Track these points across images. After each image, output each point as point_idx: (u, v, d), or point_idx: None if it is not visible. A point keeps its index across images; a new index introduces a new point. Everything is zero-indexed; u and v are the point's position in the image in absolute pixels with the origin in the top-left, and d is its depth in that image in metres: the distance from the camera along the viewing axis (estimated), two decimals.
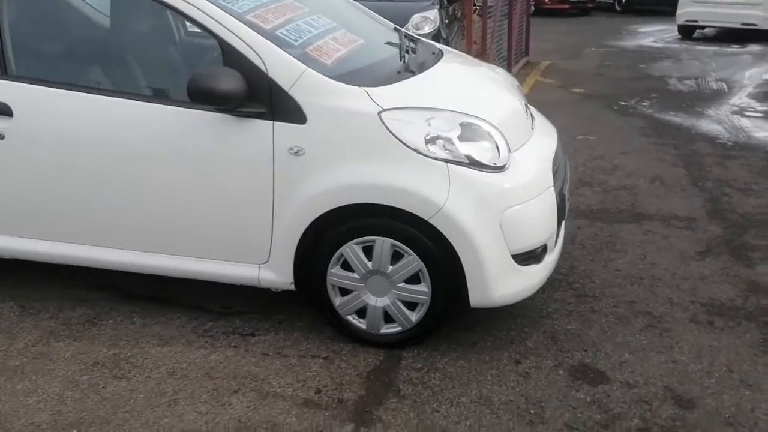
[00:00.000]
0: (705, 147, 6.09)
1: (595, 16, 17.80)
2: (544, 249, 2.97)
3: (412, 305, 2.93)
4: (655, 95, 8.28)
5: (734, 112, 7.39)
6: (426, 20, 7.13)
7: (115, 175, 3.03)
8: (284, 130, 2.79)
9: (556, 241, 3.13)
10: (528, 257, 2.89)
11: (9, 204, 3.19)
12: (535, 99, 3.62)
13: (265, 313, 3.30)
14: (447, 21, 7.56)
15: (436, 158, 2.74)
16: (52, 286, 3.53)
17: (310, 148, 2.79)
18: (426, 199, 2.71)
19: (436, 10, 7.24)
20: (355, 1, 3.94)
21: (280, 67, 2.78)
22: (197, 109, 2.83)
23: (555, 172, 3.09)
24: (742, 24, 12.83)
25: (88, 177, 3.06)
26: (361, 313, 2.99)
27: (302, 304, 3.25)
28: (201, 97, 2.71)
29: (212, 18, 2.81)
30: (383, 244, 2.83)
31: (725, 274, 3.71)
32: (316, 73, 2.80)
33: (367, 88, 2.81)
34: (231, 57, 2.79)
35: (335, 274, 2.94)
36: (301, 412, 2.64)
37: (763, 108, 7.62)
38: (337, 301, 2.99)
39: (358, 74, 2.96)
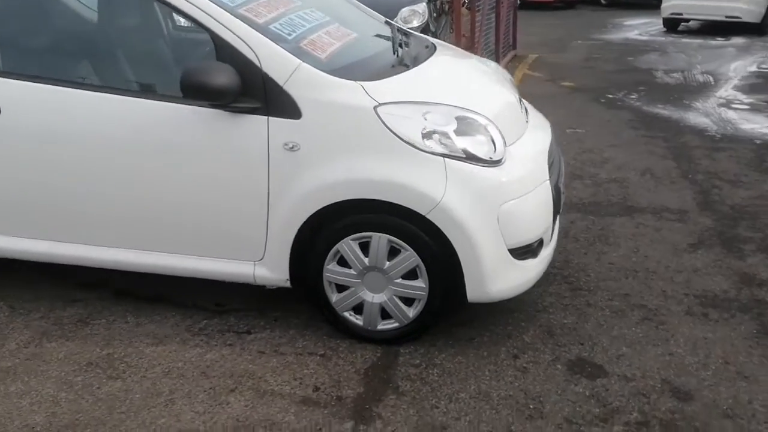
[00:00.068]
0: (693, 139, 6.13)
1: (581, 9, 17.86)
2: (540, 243, 2.97)
3: (409, 301, 2.91)
4: (643, 88, 8.32)
5: (721, 105, 7.44)
6: (415, 14, 7.12)
7: (106, 173, 2.98)
8: (279, 125, 2.75)
9: (551, 235, 3.12)
10: (525, 251, 2.89)
11: None
12: (523, 92, 3.61)
13: (261, 311, 3.27)
14: (435, 14, 7.56)
15: (432, 153, 2.72)
16: (43, 286, 3.48)
17: (305, 144, 2.76)
18: (423, 194, 2.69)
19: (424, 4, 7.24)
20: None
21: (275, 61, 2.75)
22: (190, 104, 2.79)
23: (550, 166, 3.09)
24: (726, 17, 12.95)
25: (79, 174, 3.01)
26: (358, 309, 2.97)
27: (297, 301, 3.22)
28: (194, 92, 2.68)
29: (205, 12, 2.77)
30: (380, 240, 2.81)
31: (718, 266, 3.73)
32: (311, 67, 2.77)
33: (362, 83, 2.79)
34: (224, 52, 2.75)
35: (331, 270, 2.92)
36: (300, 410, 2.62)
37: (749, 100, 7.68)
38: (334, 297, 2.97)
39: (352, 68, 2.93)
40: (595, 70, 9.67)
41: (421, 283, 2.85)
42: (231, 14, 2.79)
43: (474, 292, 2.82)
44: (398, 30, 3.65)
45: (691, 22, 13.88)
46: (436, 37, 6.03)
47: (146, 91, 3.05)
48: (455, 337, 3.07)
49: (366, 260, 2.85)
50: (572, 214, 4.35)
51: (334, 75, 2.80)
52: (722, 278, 3.59)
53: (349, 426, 2.54)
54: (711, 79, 8.86)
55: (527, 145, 3.08)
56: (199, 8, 2.78)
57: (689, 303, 3.35)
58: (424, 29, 6.89)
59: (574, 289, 3.48)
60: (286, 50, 2.79)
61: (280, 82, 2.73)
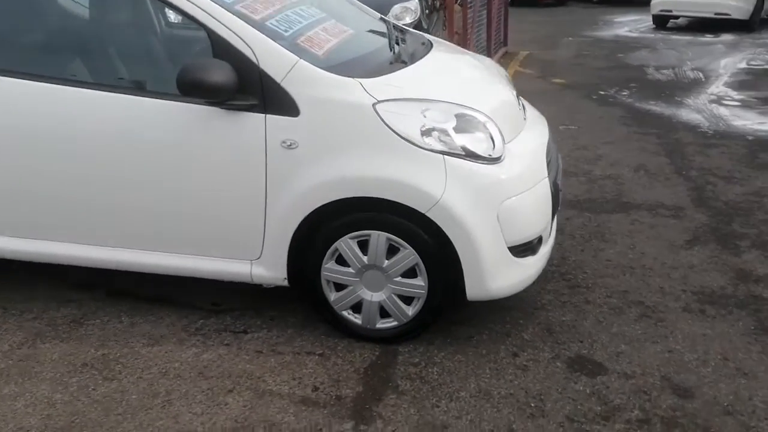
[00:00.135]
0: (686, 136, 6.14)
1: (571, 6, 17.87)
2: (539, 240, 2.96)
3: (408, 299, 2.89)
4: (634, 85, 8.33)
5: (712, 101, 7.47)
6: (407, 10, 7.09)
7: (99, 172, 2.94)
8: (276, 123, 2.72)
9: (550, 232, 3.12)
10: (524, 249, 2.87)
11: None
12: (515, 89, 3.59)
13: (257, 310, 3.24)
14: (427, 11, 7.52)
15: (432, 150, 2.70)
16: (35, 286, 3.44)
17: (303, 142, 2.73)
18: (423, 191, 2.67)
19: (416, 1, 7.20)
20: None
21: (272, 58, 2.71)
22: (186, 102, 2.75)
23: (548, 163, 3.08)
24: (716, 14, 12.99)
25: (71, 173, 2.96)
26: (357, 308, 2.95)
27: (294, 299, 3.20)
28: (191, 89, 2.64)
29: (201, 9, 2.73)
30: (379, 238, 2.79)
31: (714, 262, 3.74)
32: (309, 64, 2.74)
33: (360, 80, 2.76)
34: (220, 48, 2.71)
35: (330, 269, 2.89)
36: (299, 410, 2.60)
37: (740, 97, 7.71)
38: (332, 296, 2.95)
39: (350, 65, 2.90)
40: (586, 66, 9.68)
41: (420, 282, 2.83)
42: (227, 11, 2.75)
43: (473, 290, 2.80)
44: (394, 27, 3.63)
45: (680, 19, 13.93)
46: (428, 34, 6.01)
47: (140, 88, 3.00)
48: (454, 335, 3.05)
49: (365, 259, 2.83)
50: (568, 211, 4.34)
51: (332, 72, 2.77)
52: (718, 274, 3.60)
53: (350, 426, 2.52)
54: (701, 75, 8.89)
55: (526, 142, 3.06)
56: (195, 5, 2.74)
57: (687, 299, 3.35)
58: (416, 26, 6.85)
59: (572, 287, 3.47)
60: (283, 47, 2.75)
61: (278, 79, 2.70)
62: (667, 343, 3.00)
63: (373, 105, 2.70)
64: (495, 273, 2.78)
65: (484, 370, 2.82)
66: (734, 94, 7.86)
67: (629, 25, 14.25)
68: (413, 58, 3.23)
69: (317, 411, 2.59)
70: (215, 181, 2.84)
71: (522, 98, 3.58)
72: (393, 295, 2.88)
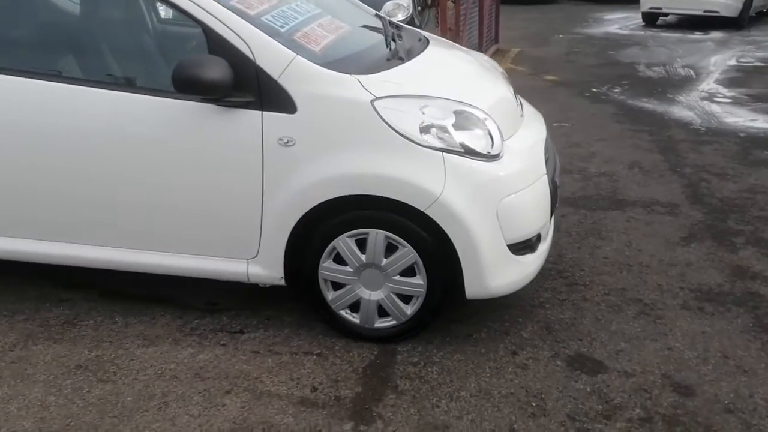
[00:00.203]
0: (679, 133, 6.15)
1: (561, 3, 17.90)
2: (538, 238, 2.94)
3: (406, 298, 2.86)
4: (626, 82, 8.34)
5: (704, 98, 7.49)
6: (399, 7, 7.05)
7: (92, 169, 2.89)
8: (273, 119, 2.68)
9: (548, 230, 3.10)
10: (523, 246, 2.85)
11: None
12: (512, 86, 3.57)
13: (253, 310, 3.20)
14: (419, 8, 7.50)
15: (430, 147, 2.67)
16: (26, 286, 3.38)
17: (300, 139, 2.69)
18: (422, 189, 2.64)
19: None
20: None
21: (268, 54, 2.67)
22: (181, 98, 2.71)
23: (546, 160, 3.06)
24: (705, 11, 13.05)
25: (64, 171, 2.91)
26: (354, 307, 2.92)
27: (290, 299, 3.17)
28: (187, 85, 2.59)
29: (196, 4, 2.68)
30: (377, 236, 2.76)
31: (710, 259, 3.73)
32: (306, 60, 2.70)
33: (358, 76, 2.73)
34: (216, 44, 2.67)
35: (327, 268, 2.86)
36: (298, 411, 2.57)
37: (731, 94, 7.73)
38: (330, 295, 2.91)
39: (347, 62, 2.87)
40: (578, 64, 9.69)
41: (419, 280, 2.80)
42: (223, 6, 2.70)
43: (473, 288, 2.77)
44: (390, 23, 3.59)
45: (669, 17, 13.99)
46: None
47: (134, 85, 2.96)
48: (453, 334, 3.02)
49: (363, 257, 2.80)
50: (563, 208, 4.33)
51: (329, 68, 2.73)
52: (715, 271, 3.59)
53: (350, 427, 2.49)
54: (692, 72, 8.92)
55: (524, 139, 3.04)
56: (190, 0, 2.69)
57: (685, 297, 3.34)
58: (409, 23, 6.81)
59: (570, 284, 3.45)
60: (280, 43, 2.71)
61: (275, 76, 2.66)
62: (667, 340, 2.99)
63: (372, 102, 2.67)
64: (494, 271, 2.76)
65: (484, 369, 2.80)
66: (725, 91, 7.88)
67: (619, 22, 14.29)
68: (410, 55, 3.20)
69: (316, 412, 2.56)
70: (211, 180, 2.80)
71: (519, 95, 3.56)
72: (391, 294, 2.85)
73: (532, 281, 3.01)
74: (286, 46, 2.72)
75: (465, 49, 4.08)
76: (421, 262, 2.77)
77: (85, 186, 2.91)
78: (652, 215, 4.30)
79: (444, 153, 2.67)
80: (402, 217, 2.72)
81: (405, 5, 7.10)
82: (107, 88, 2.83)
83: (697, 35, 12.31)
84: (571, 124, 6.34)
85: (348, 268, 2.83)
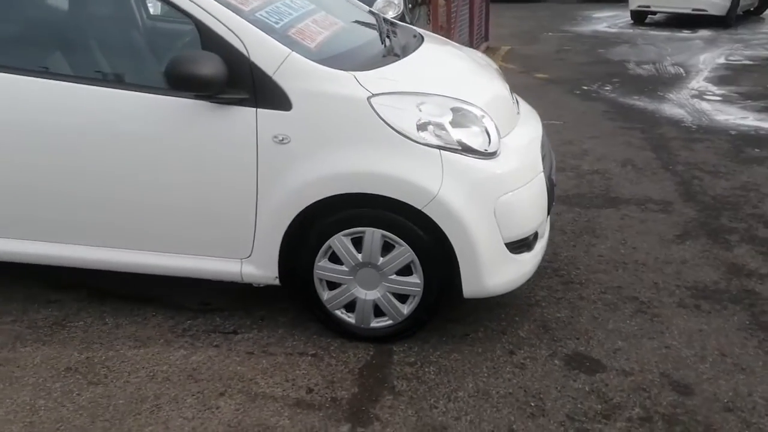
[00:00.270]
0: (670, 130, 6.15)
1: (550, 1, 17.92)
2: (535, 236, 2.91)
3: (403, 297, 2.83)
4: (616, 80, 8.35)
5: (694, 96, 7.50)
6: (390, 4, 7.02)
7: (84, 167, 2.83)
8: (268, 117, 2.64)
9: (545, 228, 3.07)
10: (521, 245, 2.82)
11: None
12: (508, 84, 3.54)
13: (246, 310, 3.16)
14: (410, 5, 7.46)
15: (428, 145, 2.64)
16: (13, 287, 3.31)
17: (295, 136, 2.65)
18: (419, 187, 2.61)
19: None
20: None
21: (263, 50, 2.63)
22: (174, 95, 2.66)
23: (543, 158, 3.03)
24: (693, 10, 13.11)
25: (53, 170, 2.86)
26: (350, 307, 2.88)
27: (284, 298, 3.13)
28: (180, 82, 2.54)
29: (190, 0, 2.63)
30: (373, 235, 2.72)
31: (705, 257, 3.72)
32: (301, 57, 2.65)
33: (354, 73, 2.69)
34: (210, 41, 2.62)
35: (323, 267, 2.82)
36: (294, 413, 2.52)
37: (721, 91, 7.76)
38: (325, 295, 2.87)
39: (342, 58, 2.83)
40: (568, 61, 9.69)
41: (415, 279, 2.77)
42: (216, 1, 2.65)
43: (470, 287, 2.74)
44: (384, 20, 3.55)
45: (657, 15, 14.03)
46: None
47: (126, 82, 2.89)
48: (449, 333, 2.99)
49: (359, 256, 2.76)
50: (557, 206, 4.30)
51: (325, 65, 2.69)
52: (711, 269, 3.59)
53: (347, 428, 2.45)
54: (682, 71, 8.94)
55: (520, 136, 3.01)
56: None
57: (681, 295, 3.33)
58: (400, 20, 6.78)
59: (566, 283, 3.43)
60: (275, 39, 2.67)
61: (269, 72, 2.61)
62: (664, 339, 2.98)
63: (368, 99, 2.63)
64: (492, 270, 2.73)
65: (482, 369, 2.77)
66: (715, 89, 7.91)
67: (607, 20, 14.32)
68: (406, 51, 3.16)
69: (312, 413, 2.52)
70: (205, 178, 2.75)
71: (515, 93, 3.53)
72: (388, 294, 2.82)
73: (528, 279, 2.99)
74: (281, 43, 2.67)
75: (459, 45, 4.05)
76: (417, 261, 2.73)
77: (75, 184, 2.85)
78: (646, 213, 4.29)
79: (441, 150, 2.64)
80: (399, 216, 2.68)
81: (396, 2, 7.06)
82: (99, 85, 2.78)
83: (686, 33, 12.35)
84: (563, 122, 6.32)
85: (344, 268, 2.79)
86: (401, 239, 2.71)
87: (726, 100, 7.37)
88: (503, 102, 3.15)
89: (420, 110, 2.68)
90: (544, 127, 3.34)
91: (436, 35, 4.09)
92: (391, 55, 3.06)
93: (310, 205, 2.69)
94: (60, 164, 2.83)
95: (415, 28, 3.81)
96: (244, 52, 2.61)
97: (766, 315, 3.16)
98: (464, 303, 2.91)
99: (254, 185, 2.71)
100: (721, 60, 9.75)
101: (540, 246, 2.99)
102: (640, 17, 13.81)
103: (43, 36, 3.11)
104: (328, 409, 2.54)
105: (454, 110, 2.73)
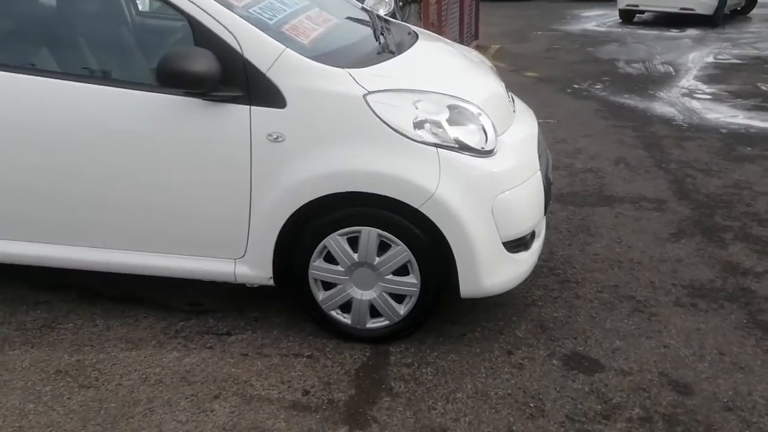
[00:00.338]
0: (662, 129, 6.15)
1: (538, 0, 17.92)
2: (532, 235, 2.89)
3: (399, 298, 2.79)
4: (607, 78, 8.36)
5: (684, 95, 7.51)
6: (381, 2, 6.94)
7: (72, 167, 2.77)
8: (262, 115, 2.59)
9: (541, 227, 3.05)
10: (518, 244, 2.80)
11: None
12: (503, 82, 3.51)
13: (240, 311, 3.11)
14: (401, 3, 7.42)
15: (425, 143, 2.60)
16: (0, 288, 3.24)
17: (290, 134, 2.60)
18: (417, 186, 2.57)
19: None
20: None
21: (257, 47, 2.58)
22: (166, 93, 2.61)
23: (539, 156, 3.00)
24: (681, 9, 13.16)
25: (42, 169, 2.80)
26: (346, 307, 2.84)
27: (278, 299, 3.08)
28: (172, 79, 2.49)
29: None
30: (369, 234, 2.68)
31: (700, 255, 3.71)
32: (296, 53, 2.61)
33: (350, 70, 2.64)
34: (202, 37, 2.57)
35: (318, 267, 2.77)
36: (290, 415, 2.48)
37: (711, 90, 7.77)
38: (320, 295, 2.83)
39: (337, 55, 2.78)
40: (558, 60, 9.69)
41: (412, 279, 2.73)
42: None
43: (467, 287, 2.71)
44: (377, 17, 3.51)
45: (645, 14, 14.07)
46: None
47: (116, 79, 2.84)
48: (446, 334, 2.96)
49: (355, 256, 2.72)
50: (552, 205, 4.26)
51: (319, 62, 2.65)
52: (706, 267, 3.57)
53: (344, 431, 2.41)
54: (671, 69, 8.96)
55: (517, 134, 2.98)
56: None
57: (677, 293, 3.32)
58: (391, 18, 6.75)
59: (562, 282, 3.41)
60: (268, 36, 2.62)
61: (263, 69, 2.57)
62: (662, 338, 2.96)
63: (364, 96, 2.59)
64: (489, 269, 2.70)
65: (480, 370, 2.74)
66: (705, 87, 7.92)
67: (596, 19, 14.35)
68: (400, 49, 3.13)
69: (309, 416, 2.48)
70: (197, 177, 2.70)
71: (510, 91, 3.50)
72: (384, 294, 2.78)
73: (525, 279, 2.96)
74: (275, 39, 2.62)
75: (453, 43, 4.01)
76: (414, 261, 2.70)
77: (65, 183, 2.80)
78: (640, 211, 4.28)
79: (438, 148, 2.61)
80: (395, 215, 2.64)
81: (387, 0, 7.01)
82: (90, 82, 2.73)
83: (674, 32, 12.39)
84: (556, 121, 6.31)
85: (339, 268, 2.75)
86: (398, 238, 2.67)
87: (716, 98, 7.39)
88: (499, 99, 3.12)
89: (416, 108, 2.65)
90: (538, 125, 3.31)
91: (430, 33, 4.06)
92: (387, 52, 3.02)
93: (305, 204, 2.65)
94: (50, 163, 2.77)
95: (409, 25, 3.78)
96: (238, 49, 2.56)
97: (763, 313, 3.15)
98: (461, 303, 2.88)
99: (248, 184, 2.66)
100: (710, 59, 9.78)
101: (537, 245, 2.97)
102: (628, 16, 13.86)
103: (34, 33, 3.04)
104: (325, 411, 2.50)
105: (450, 108, 2.70)
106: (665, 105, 7.04)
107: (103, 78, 2.86)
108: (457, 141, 2.65)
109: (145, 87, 2.65)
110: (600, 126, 6.24)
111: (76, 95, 2.72)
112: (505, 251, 2.74)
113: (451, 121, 2.67)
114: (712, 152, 5.47)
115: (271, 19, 2.76)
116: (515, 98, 3.47)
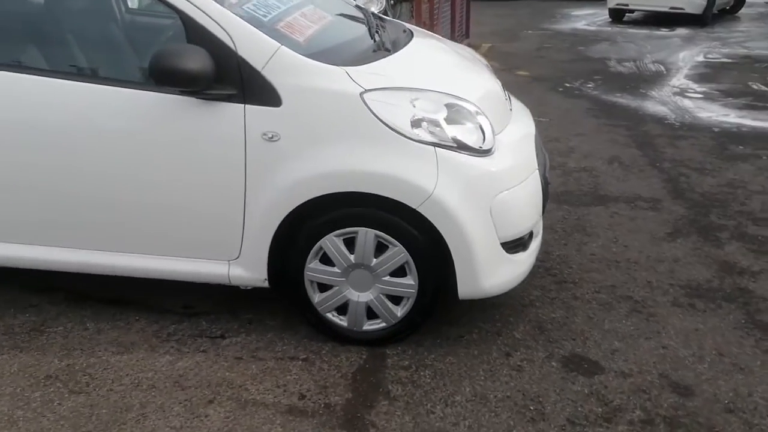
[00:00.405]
0: (655, 128, 6.15)
1: None
2: (530, 235, 2.86)
3: (397, 299, 2.75)
4: (598, 77, 8.35)
5: (676, 93, 7.51)
6: (372, 0, 6.92)
7: (63, 167, 2.71)
8: (257, 113, 2.54)
9: (539, 227, 3.01)
10: (516, 245, 2.76)
11: None
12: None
13: (233, 313, 3.06)
14: (392, 1, 7.38)
15: (422, 142, 2.56)
16: None
17: (285, 133, 2.55)
18: (414, 185, 2.53)
19: None
20: None
21: (251, 44, 2.53)
22: (159, 91, 2.55)
23: (537, 155, 2.97)
24: (671, 8, 13.17)
25: (31, 168, 2.74)
26: (342, 309, 2.79)
27: (272, 301, 3.03)
28: (164, 77, 2.44)
29: None
30: (366, 235, 2.63)
31: (697, 255, 3.69)
32: (291, 51, 2.56)
33: (346, 68, 2.60)
34: (196, 34, 2.51)
35: (314, 269, 2.73)
36: (287, 420, 2.43)
37: (702, 89, 7.78)
38: (316, 297, 2.78)
39: (333, 52, 2.74)
40: (549, 59, 9.67)
41: (410, 280, 2.69)
42: None
43: (466, 288, 2.67)
44: (372, 14, 3.47)
45: (635, 13, 14.09)
46: None
47: (108, 77, 2.76)
48: (443, 335, 2.92)
49: (351, 257, 2.68)
50: (547, 204, 4.25)
51: (315, 59, 2.60)
52: (703, 267, 3.56)
53: None
54: (662, 68, 8.96)
55: (514, 133, 2.95)
56: None
57: (675, 293, 3.29)
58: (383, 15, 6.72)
59: (559, 282, 3.38)
60: (264, 33, 2.57)
61: (258, 67, 2.52)
62: (661, 339, 2.93)
63: (361, 94, 2.54)
64: (488, 270, 2.66)
65: (478, 372, 2.70)
66: (696, 86, 7.93)
67: (586, 18, 14.36)
68: (396, 47, 3.08)
69: (306, 421, 2.43)
70: (191, 177, 2.64)
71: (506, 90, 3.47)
72: (381, 296, 2.74)
73: (523, 279, 2.92)
74: (270, 36, 2.57)
75: (449, 41, 3.97)
76: (412, 262, 2.66)
77: (57, 183, 2.73)
78: (636, 210, 4.26)
79: (436, 148, 2.56)
80: (392, 215, 2.60)
81: None
82: (82, 81, 2.67)
83: (664, 31, 12.41)
84: (549, 119, 6.28)
85: (335, 269, 2.71)
86: (395, 239, 2.63)
87: (707, 97, 7.39)
88: (496, 98, 3.08)
89: (414, 106, 2.60)
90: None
91: (426, 31, 4.02)
92: (382, 50, 2.97)
93: (301, 204, 2.60)
94: (41, 162, 2.71)
95: (403, 23, 3.73)
96: (232, 46, 2.51)
97: (761, 313, 3.13)
98: (458, 304, 2.84)
99: (242, 184, 2.61)
100: (700, 58, 9.80)
101: (535, 245, 2.93)
102: (618, 15, 13.87)
103: (24, 31, 2.97)
104: (322, 416, 2.46)
105: (448, 106, 2.66)
106: (657, 104, 7.04)
107: (92, 75, 2.79)
108: (455, 140, 2.61)
109: (138, 85, 2.60)
110: (592, 125, 6.23)
111: (65, 93, 2.66)
112: (504, 252, 2.70)
113: (449, 120, 2.63)
114: (705, 151, 5.47)
115: (265, 16, 2.71)
116: (512, 97, 3.43)
